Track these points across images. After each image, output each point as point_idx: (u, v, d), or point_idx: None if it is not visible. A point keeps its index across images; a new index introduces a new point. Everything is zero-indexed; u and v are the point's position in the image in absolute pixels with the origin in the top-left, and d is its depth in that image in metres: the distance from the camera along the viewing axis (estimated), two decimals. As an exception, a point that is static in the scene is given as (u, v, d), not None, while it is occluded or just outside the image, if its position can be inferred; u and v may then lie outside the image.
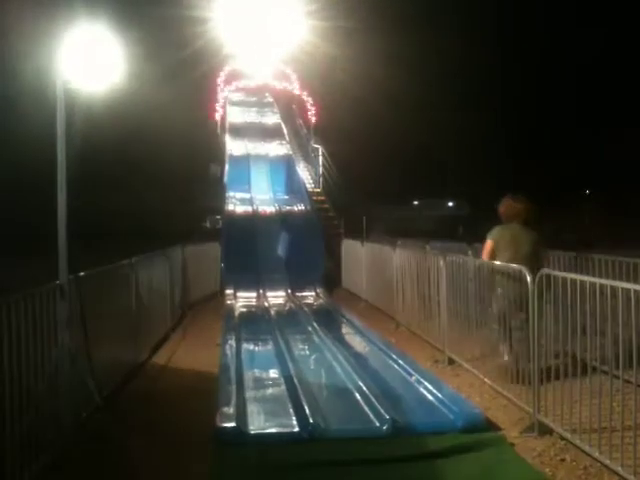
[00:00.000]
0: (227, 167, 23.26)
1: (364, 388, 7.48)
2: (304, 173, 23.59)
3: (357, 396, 7.37)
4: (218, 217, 21.66)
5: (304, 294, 16.52)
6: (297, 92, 28.28)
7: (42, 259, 8.15)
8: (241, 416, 6.53)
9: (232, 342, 10.33)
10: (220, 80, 29.89)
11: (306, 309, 14.30)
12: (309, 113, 26.56)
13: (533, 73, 45.38)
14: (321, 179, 23.40)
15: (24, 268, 14.17)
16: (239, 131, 26.81)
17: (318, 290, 16.80)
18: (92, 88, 6.30)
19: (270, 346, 10.48)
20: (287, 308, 14.88)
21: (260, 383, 8.33)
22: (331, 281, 17.75)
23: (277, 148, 25.86)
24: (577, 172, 43.79)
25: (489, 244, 8.43)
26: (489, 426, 6.32)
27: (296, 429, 6.28)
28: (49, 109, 6.02)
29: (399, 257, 12.13)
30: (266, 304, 15.20)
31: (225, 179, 22.48)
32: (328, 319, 13.21)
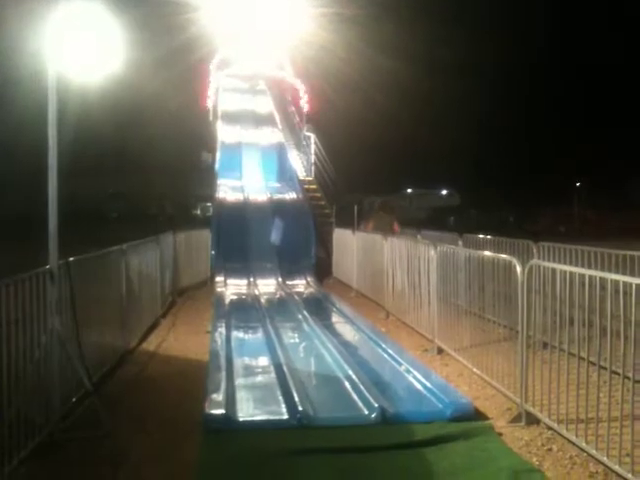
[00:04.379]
0: (219, 154, 23.15)
1: (353, 376, 7.50)
2: (296, 161, 23.51)
3: (346, 384, 7.40)
4: (209, 204, 21.55)
5: (295, 282, 16.53)
6: (290, 80, 28.12)
7: (35, 244, 8.11)
8: (230, 403, 6.54)
9: (222, 330, 10.34)
10: (212, 67, 29.67)
11: (296, 297, 14.31)
12: (302, 101, 26.42)
13: (532, 68, 45.45)
14: (313, 168, 23.32)
15: (16, 253, 14.13)
16: (231, 118, 26.66)
17: (309, 279, 16.81)
18: (86, 77, 6.24)
19: (260, 334, 10.49)
20: (277, 296, 14.89)
21: (250, 371, 8.34)
22: (322, 270, 17.77)
23: (269, 136, 25.73)
24: (567, 165, 43.97)
25: (371, 223, 17.06)
26: (477, 415, 6.37)
27: (285, 416, 6.31)
28: (43, 95, 5.97)
29: (390, 246, 12.15)
30: (256, 292, 15.20)
31: (216, 166, 22.38)
32: (318, 308, 13.22)
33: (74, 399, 6.34)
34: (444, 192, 59.72)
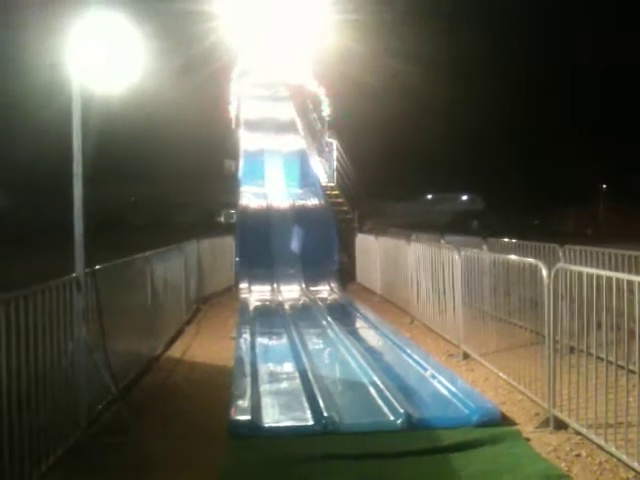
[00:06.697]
0: (241, 162, 23.27)
1: (378, 382, 7.48)
2: (318, 168, 23.54)
3: (371, 390, 7.38)
4: (232, 211, 21.68)
5: (318, 288, 16.54)
6: (311, 86, 28.17)
7: (59, 253, 8.20)
8: (255, 409, 6.56)
9: (247, 336, 10.37)
10: (234, 75, 29.83)
11: (320, 303, 14.31)
12: (323, 107, 26.44)
13: (553, 72, 45.15)
14: (335, 174, 23.35)
15: (41, 261, 14.30)
16: (253, 126, 26.77)
17: (332, 284, 16.81)
18: (108, 87, 6.30)
19: (284, 340, 10.51)
20: (301, 302, 14.90)
21: (274, 377, 8.35)
22: (345, 275, 17.76)
23: (291, 142, 25.80)
24: (592, 168, 43.55)
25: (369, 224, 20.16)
26: (504, 421, 6.31)
27: (310, 423, 6.30)
28: (67, 105, 6.04)
29: (414, 251, 12.10)
30: (280, 298, 15.23)
31: (239, 174, 22.49)
32: (342, 313, 13.22)
33: (100, 406, 6.39)
34: (466, 197, 59.50)
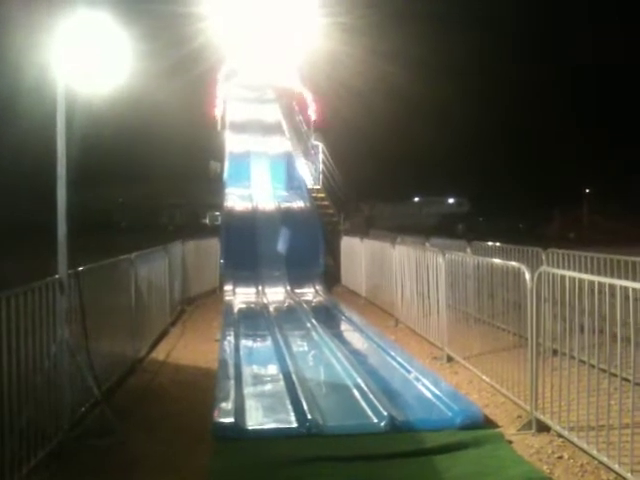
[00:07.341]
0: (227, 164, 23.22)
1: (362, 385, 7.48)
2: (304, 170, 23.54)
3: (355, 393, 7.38)
4: (217, 213, 21.64)
5: (303, 291, 16.53)
6: (298, 88, 28.17)
7: (43, 254, 8.15)
8: (239, 412, 6.54)
9: (231, 338, 10.35)
10: (220, 76, 29.75)
11: (305, 306, 14.30)
12: (309, 110, 26.47)
13: (537, 74, 45.41)
14: (321, 176, 23.37)
15: (25, 263, 14.20)
16: (239, 128, 26.71)
17: (317, 287, 16.80)
18: (94, 88, 6.27)
19: (269, 342, 10.49)
20: (286, 305, 14.88)
21: (259, 379, 8.34)
22: (330, 278, 17.77)
23: (277, 145, 25.77)
24: (576, 172, 43.84)
25: (348, 224, 20.00)
26: (487, 423, 6.34)
27: (294, 425, 6.30)
28: (51, 104, 6.01)
29: (398, 254, 12.13)
30: (265, 300, 15.20)
31: (225, 176, 22.44)
32: (327, 316, 13.22)
33: (83, 408, 6.35)
34: (453, 200, 59.79)
